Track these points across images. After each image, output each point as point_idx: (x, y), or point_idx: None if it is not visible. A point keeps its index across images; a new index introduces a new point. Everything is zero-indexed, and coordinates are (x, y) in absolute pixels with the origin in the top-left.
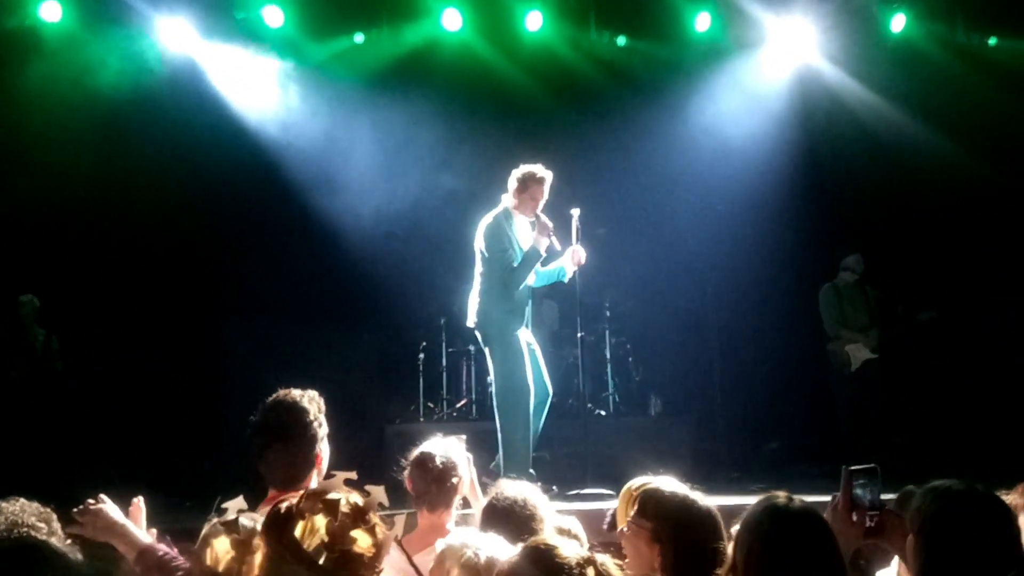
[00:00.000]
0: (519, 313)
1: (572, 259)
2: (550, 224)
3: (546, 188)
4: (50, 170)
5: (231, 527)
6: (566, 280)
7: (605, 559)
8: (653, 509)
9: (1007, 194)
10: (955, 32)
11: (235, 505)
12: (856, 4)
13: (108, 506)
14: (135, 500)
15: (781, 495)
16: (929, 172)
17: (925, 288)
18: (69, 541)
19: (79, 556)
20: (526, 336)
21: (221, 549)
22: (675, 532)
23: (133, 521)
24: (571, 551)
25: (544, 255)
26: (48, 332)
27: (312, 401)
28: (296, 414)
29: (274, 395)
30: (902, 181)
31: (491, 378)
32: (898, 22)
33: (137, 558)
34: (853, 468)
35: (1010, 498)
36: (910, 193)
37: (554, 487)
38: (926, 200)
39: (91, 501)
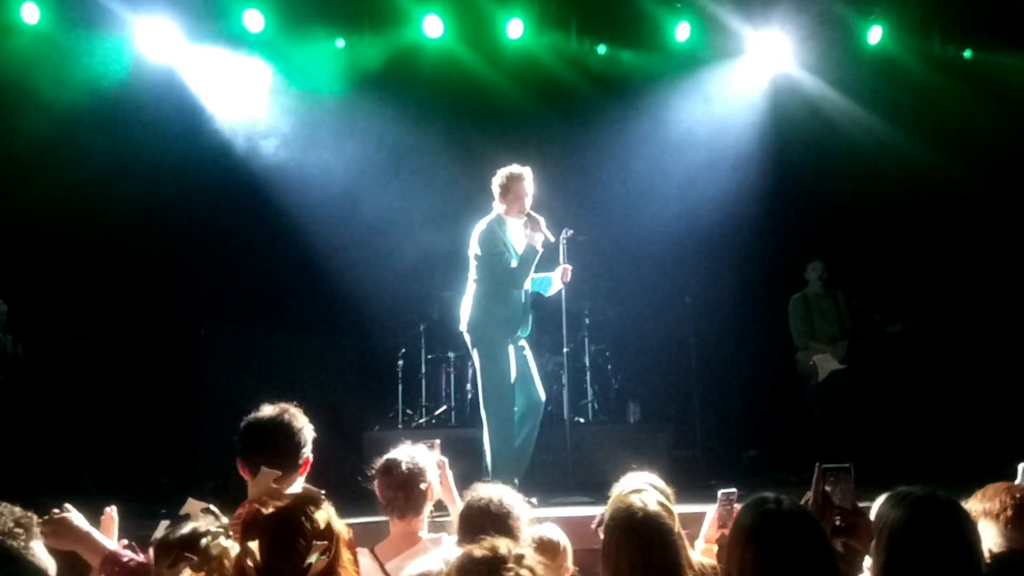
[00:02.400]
0: (514, 321)
1: (561, 276)
2: (540, 218)
3: (527, 184)
4: (25, 174)
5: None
6: (547, 294)
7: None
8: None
9: (984, 204)
10: (931, 44)
11: (195, 508)
12: (832, 16)
13: (72, 515)
14: (107, 510)
15: (770, 496)
16: (906, 182)
17: (901, 298)
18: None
19: (53, 564)
20: (521, 344)
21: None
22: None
23: (105, 530)
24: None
25: (541, 250)
26: (14, 338)
27: (298, 416)
28: (287, 420)
29: (263, 411)
30: (879, 191)
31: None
32: (875, 34)
33: (101, 565)
34: (826, 467)
35: (970, 504)
36: (887, 202)
37: (534, 500)
38: (902, 209)
39: (55, 511)
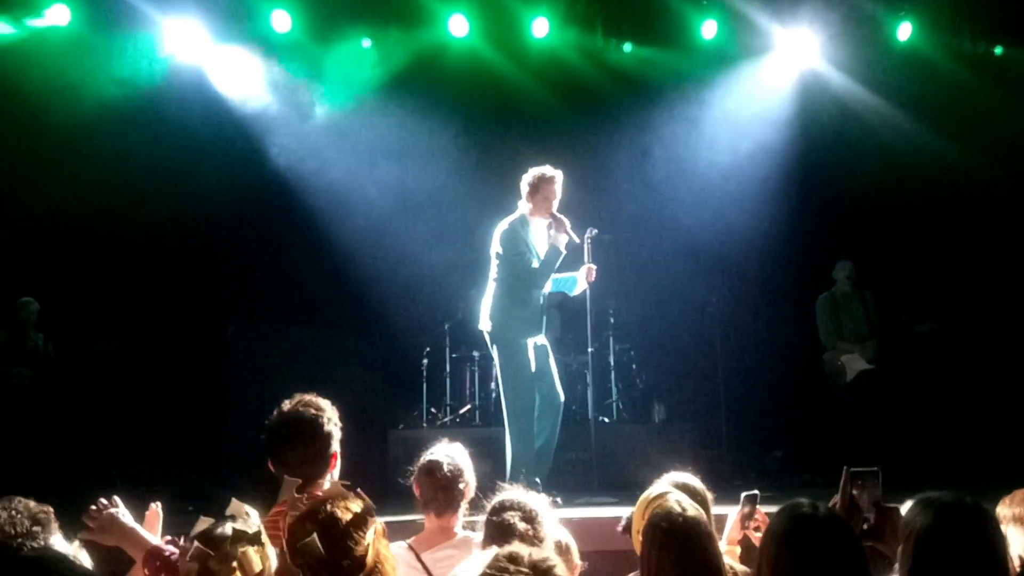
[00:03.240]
0: (535, 321)
1: (586, 276)
2: (566, 220)
3: (558, 187)
4: (56, 173)
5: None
6: (572, 294)
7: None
8: None
9: (1014, 203)
10: (961, 41)
11: (239, 509)
12: (862, 13)
13: (119, 510)
14: (152, 506)
15: (805, 502)
16: (935, 180)
17: (930, 297)
18: (77, 543)
19: (77, 559)
20: (541, 343)
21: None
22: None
23: (149, 527)
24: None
25: (565, 252)
26: (45, 336)
27: (326, 404)
28: (313, 414)
29: (290, 399)
30: (908, 189)
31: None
32: (904, 30)
33: (144, 559)
34: (854, 470)
35: (999, 509)
36: (915, 201)
37: (558, 499)
38: (931, 208)
39: (104, 502)
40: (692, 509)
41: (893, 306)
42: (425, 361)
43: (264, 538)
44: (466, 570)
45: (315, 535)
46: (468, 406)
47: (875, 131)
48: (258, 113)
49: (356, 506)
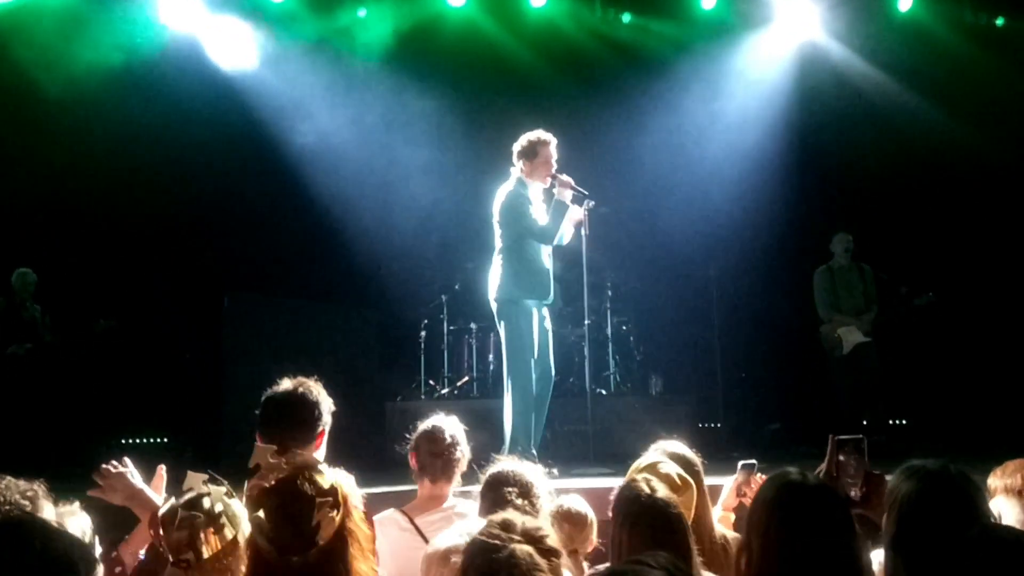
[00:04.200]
0: (544, 285)
1: (571, 220)
2: (569, 178)
3: (553, 149)
4: (49, 145)
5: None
6: (564, 243)
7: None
8: None
9: (1014, 175)
10: (963, 12)
11: (195, 480)
12: None
13: (129, 470)
14: (159, 468)
15: (793, 470)
16: (934, 153)
17: (927, 270)
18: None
19: (64, 531)
20: (543, 313)
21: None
22: None
23: (155, 488)
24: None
25: (569, 206)
26: (43, 307)
27: (316, 391)
28: (310, 399)
29: (290, 378)
30: (907, 162)
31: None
32: (905, 1)
33: (151, 520)
34: (840, 437)
35: (991, 480)
36: (914, 174)
37: (554, 470)
38: (930, 181)
39: (114, 463)
40: (662, 488)
41: (890, 279)
42: (423, 333)
43: (234, 508)
44: (457, 531)
45: (268, 509)
46: (466, 378)
47: (874, 103)
48: (254, 84)
49: (323, 481)
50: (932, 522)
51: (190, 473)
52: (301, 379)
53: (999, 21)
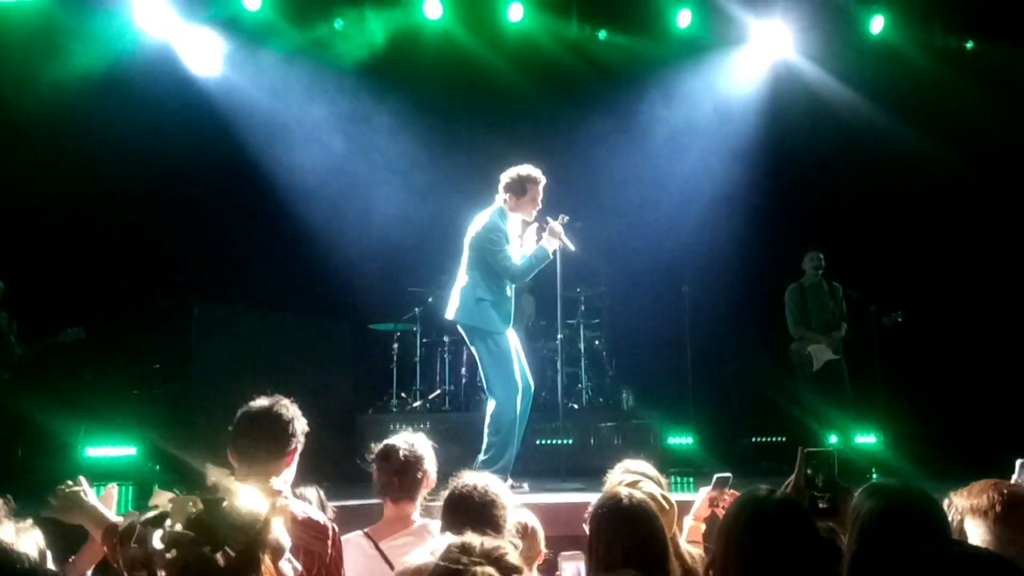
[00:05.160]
0: (510, 313)
1: (548, 236)
2: (559, 228)
3: (542, 188)
4: (17, 152)
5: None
6: (551, 257)
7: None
8: None
9: (982, 195)
10: (933, 35)
11: (163, 498)
12: (834, 5)
13: (81, 488)
14: (109, 486)
15: (763, 487)
16: (906, 173)
17: (897, 289)
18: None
19: (24, 549)
20: (511, 333)
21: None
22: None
23: (106, 505)
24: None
25: (551, 258)
26: (9, 315)
27: (291, 410)
28: (284, 416)
29: (255, 404)
30: (878, 181)
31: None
32: (877, 24)
33: (104, 534)
34: (809, 450)
35: (958, 500)
36: (885, 193)
37: (524, 486)
38: (901, 200)
39: (69, 483)
40: (641, 493)
41: (860, 298)
42: (395, 346)
43: None
44: (420, 555)
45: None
46: (438, 391)
47: (847, 123)
48: (228, 93)
49: (238, 498)
50: (893, 540)
51: (158, 490)
52: (277, 397)
53: (969, 44)
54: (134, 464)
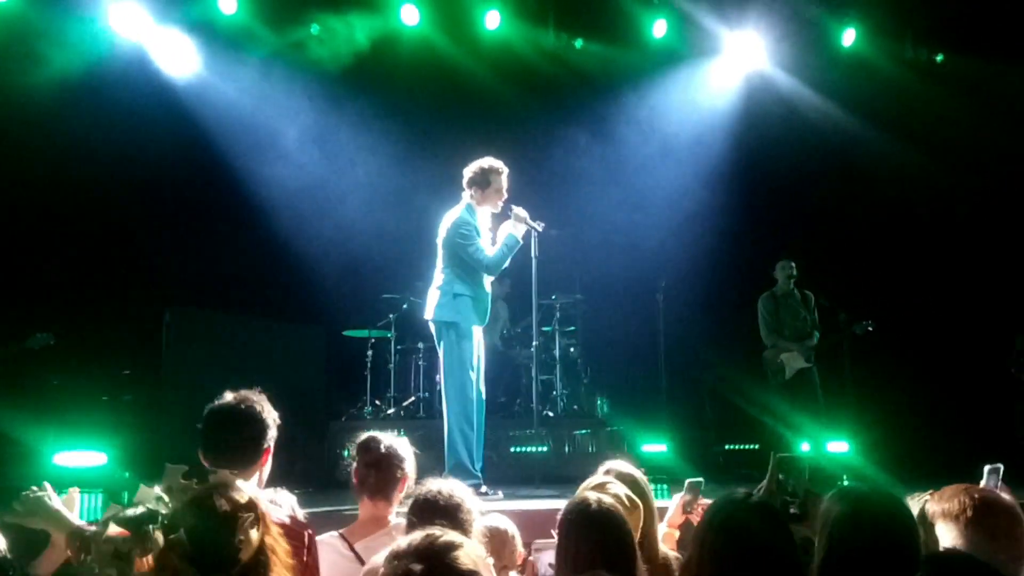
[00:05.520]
0: (484, 311)
1: (514, 222)
2: (524, 212)
3: (505, 178)
4: None
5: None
6: (521, 242)
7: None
8: None
9: (955, 205)
10: (904, 48)
11: (147, 495)
12: (806, 17)
13: (45, 493)
14: (71, 490)
15: (739, 491)
16: (878, 183)
17: (868, 297)
18: None
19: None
20: (478, 336)
21: None
22: None
23: (69, 508)
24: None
25: (522, 243)
26: None
27: (260, 404)
28: (255, 410)
29: (232, 392)
30: (851, 191)
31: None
32: (848, 36)
33: (67, 538)
34: (781, 456)
35: (928, 505)
36: (858, 203)
37: (499, 492)
38: (872, 209)
39: (34, 488)
40: (610, 500)
41: (831, 306)
42: (370, 352)
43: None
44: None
45: (186, 529)
46: (412, 398)
47: (820, 133)
48: (202, 97)
49: (241, 497)
50: (860, 544)
51: (143, 487)
52: (244, 392)
53: (939, 57)
54: (103, 471)
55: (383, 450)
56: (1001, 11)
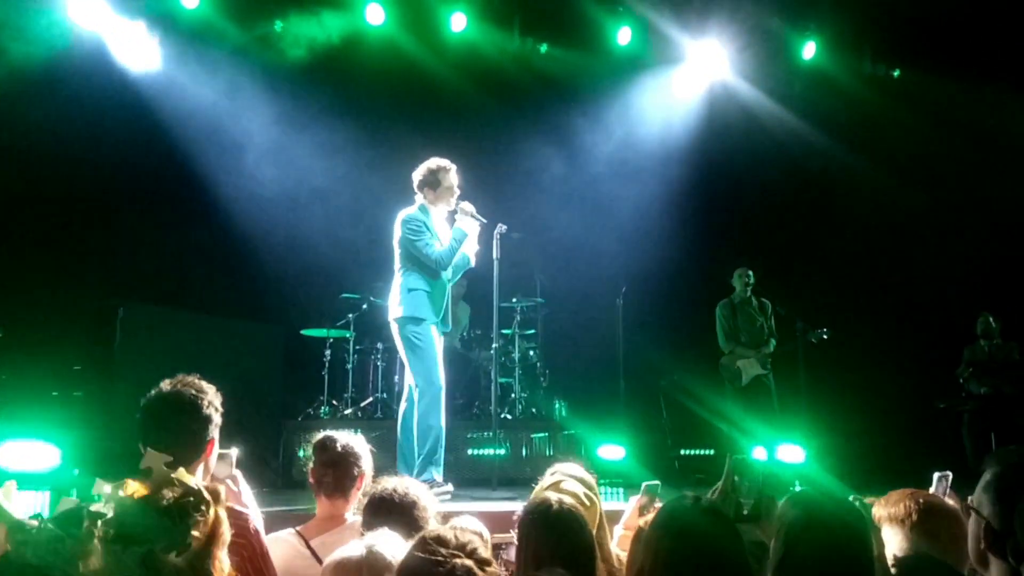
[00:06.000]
0: (440, 309)
1: (460, 216)
2: (470, 207)
3: (455, 175)
4: None
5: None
6: (472, 263)
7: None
8: None
9: (911, 215)
10: (862, 62)
11: (102, 488)
12: (767, 30)
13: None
14: (8, 482)
15: (689, 495)
16: (836, 192)
17: (823, 305)
18: None
19: None
20: (437, 338)
21: None
22: None
23: (5, 500)
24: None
25: (468, 233)
26: None
27: (209, 387)
28: (192, 395)
29: (170, 379)
30: (810, 200)
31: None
32: (809, 49)
33: (6, 532)
34: (737, 457)
35: (875, 509)
36: (816, 212)
37: (448, 484)
38: (833, 218)
39: None
40: (570, 499)
41: (788, 314)
42: (328, 352)
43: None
44: (351, 549)
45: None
46: (370, 399)
47: (780, 143)
48: (161, 90)
49: (186, 488)
50: (815, 549)
51: (99, 481)
52: (183, 378)
53: (896, 73)
54: (52, 468)
55: (339, 449)
56: (955, 30)
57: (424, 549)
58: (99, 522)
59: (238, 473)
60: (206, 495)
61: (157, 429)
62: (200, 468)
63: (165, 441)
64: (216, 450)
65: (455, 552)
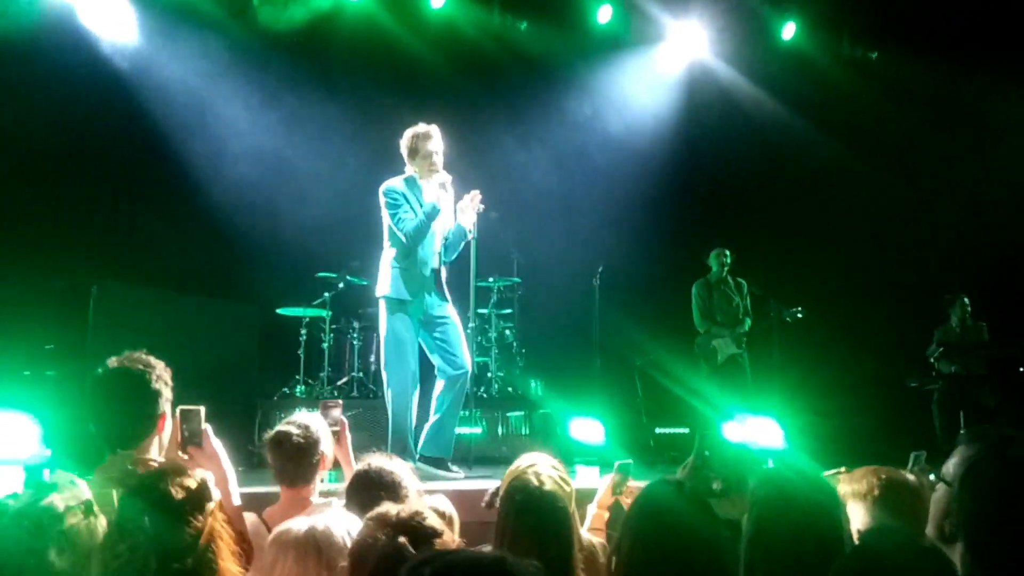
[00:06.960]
0: (424, 286)
1: (466, 213)
2: (447, 177)
3: (435, 141)
4: None
5: None
6: (470, 236)
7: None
8: None
9: (887, 196)
10: (841, 44)
11: (63, 478)
12: (748, 10)
13: None
14: None
15: (667, 479)
16: (813, 173)
17: (799, 285)
18: None
19: None
20: (444, 314)
21: None
22: None
23: None
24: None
25: (440, 210)
26: None
27: (157, 362)
28: (140, 370)
29: (112, 363)
30: (787, 180)
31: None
32: (788, 30)
33: None
34: (706, 433)
35: (841, 486)
36: (793, 192)
37: (461, 472)
38: (809, 198)
39: None
40: (549, 482)
41: (763, 294)
42: (303, 332)
43: (96, 508)
44: (298, 523)
45: (145, 516)
46: (346, 378)
47: (757, 124)
48: (135, 64)
49: (191, 483)
50: (786, 526)
51: (59, 472)
52: (130, 354)
53: (873, 55)
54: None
55: (295, 443)
56: (933, 12)
57: (364, 531)
58: (102, 522)
59: (208, 427)
60: (207, 492)
61: (107, 407)
62: (155, 443)
63: (115, 419)
64: (168, 425)
65: (396, 528)
